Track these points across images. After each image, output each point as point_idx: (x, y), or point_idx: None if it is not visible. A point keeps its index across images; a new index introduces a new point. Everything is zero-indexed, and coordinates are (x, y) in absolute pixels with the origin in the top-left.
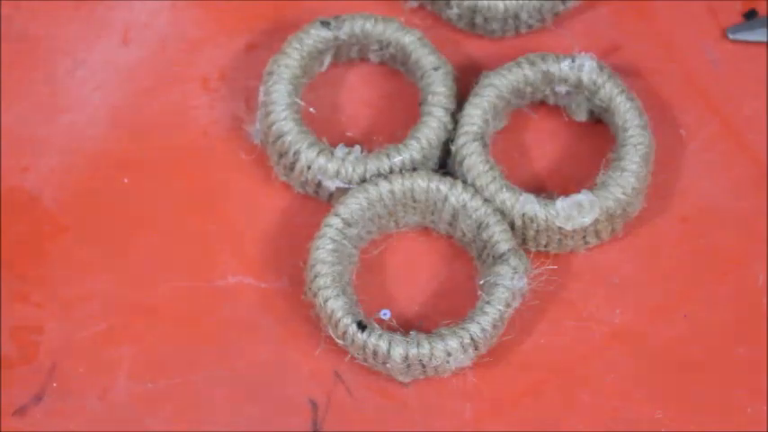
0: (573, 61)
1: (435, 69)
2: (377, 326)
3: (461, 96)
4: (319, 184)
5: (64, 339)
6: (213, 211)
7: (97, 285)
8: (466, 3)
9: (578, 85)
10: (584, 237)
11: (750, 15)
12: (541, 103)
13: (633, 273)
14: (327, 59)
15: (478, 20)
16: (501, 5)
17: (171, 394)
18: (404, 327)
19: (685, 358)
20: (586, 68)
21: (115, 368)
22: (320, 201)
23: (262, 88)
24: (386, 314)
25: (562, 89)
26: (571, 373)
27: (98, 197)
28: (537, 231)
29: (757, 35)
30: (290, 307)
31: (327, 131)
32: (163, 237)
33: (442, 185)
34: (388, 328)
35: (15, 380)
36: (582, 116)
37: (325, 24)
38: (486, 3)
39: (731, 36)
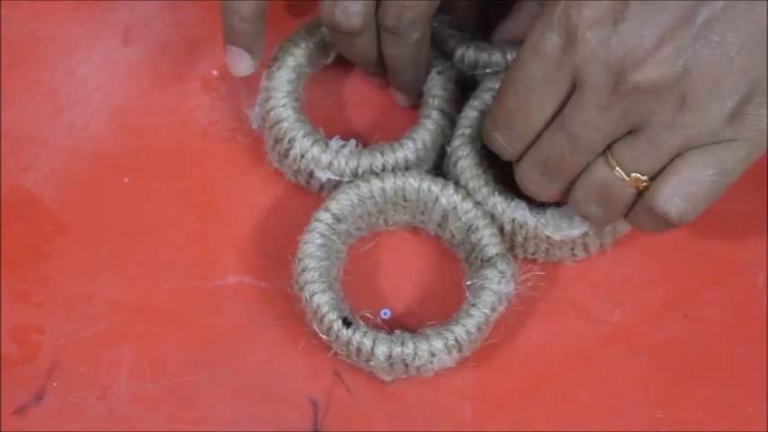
0: None
1: (438, 73)
2: (362, 323)
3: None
4: (311, 174)
5: (64, 339)
6: (213, 211)
7: (97, 285)
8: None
9: None
10: (572, 249)
11: None
12: None
13: (633, 273)
14: (333, 52)
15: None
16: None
17: (171, 394)
18: (390, 325)
19: (685, 358)
20: None
21: (115, 368)
22: (320, 201)
23: (265, 72)
24: (386, 314)
25: None
26: (571, 373)
27: (98, 197)
28: (525, 238)
29: None
30: (290, 307)
31: (325, 124)
32: (163, 236)
33: (433, 186)
34: (374, 326)
35: (15, 379)
36: None
37: None
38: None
39: None
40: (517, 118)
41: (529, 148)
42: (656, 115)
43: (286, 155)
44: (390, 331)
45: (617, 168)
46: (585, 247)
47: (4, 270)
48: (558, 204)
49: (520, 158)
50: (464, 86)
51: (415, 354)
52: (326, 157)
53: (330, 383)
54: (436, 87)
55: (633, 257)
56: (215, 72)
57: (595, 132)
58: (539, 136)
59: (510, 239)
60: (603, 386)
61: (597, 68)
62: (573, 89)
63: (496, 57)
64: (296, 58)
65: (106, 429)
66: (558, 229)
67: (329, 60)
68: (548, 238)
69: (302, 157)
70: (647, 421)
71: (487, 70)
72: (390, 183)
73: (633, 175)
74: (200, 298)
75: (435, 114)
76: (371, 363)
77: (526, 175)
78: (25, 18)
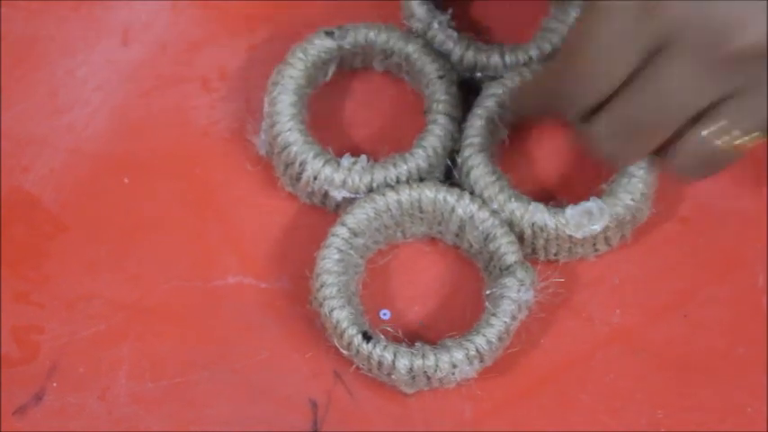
0: None
1: (439, 77)
2: (382, 337)
3: (466, 105)
4: (326, 195)
5: (64, 339)
6: (213, 211)
7: (97, 285)
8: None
9: None
10: (594, 244)
11: None
12: None
13: (633, 273)
14: (331, 69)
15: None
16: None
17: (171, 394)
18: (409, 337)
19: (685, 358)
20: None
21: (115, 368)
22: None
23: (266, 99)
24: (385, 314)
25: None
26: (571, 373)
27: (98, 197)
28: (547, 240)
29: None
30: (290, 307)
31: (333, 141)
32: (163, 237)
33: (449, 196)
34: (394, 338)
35: (15, 379)
36: None
37: (329, 34)
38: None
39: None
40: (592, 73)
41: (601, 107)
42: (761, 78)
43: (298, 178)
44: (410, 344)
45: (725, 137)
46: (607, 240)
47: (4, 270)
48: (574, 202)
49: (586, 120)
50: (463, 88)
51: (437, 366)
52: (340, 176)
53: (330, 384)
54: (439, 92)
55: (633, 257)
56: (215, 72)
57: (692, 96)
58: (614, 95)
59: (531, 244)
60: (603, 386)
61: (694, 32)
62: (661, 46)
63: (495, 59)
64: (295, 80)
65: (106, 429)
66: (579, 226)
67: (328, 78)
68: (570, 237)
69: (315, 178)
70: (647, 421)
71: (487, 73)
72: (406, 195)
73: (740, 140)
74: (200, 298)
75: (442, 119)
76: (393, 376)
77: (602, 137)
78: (25, 18)
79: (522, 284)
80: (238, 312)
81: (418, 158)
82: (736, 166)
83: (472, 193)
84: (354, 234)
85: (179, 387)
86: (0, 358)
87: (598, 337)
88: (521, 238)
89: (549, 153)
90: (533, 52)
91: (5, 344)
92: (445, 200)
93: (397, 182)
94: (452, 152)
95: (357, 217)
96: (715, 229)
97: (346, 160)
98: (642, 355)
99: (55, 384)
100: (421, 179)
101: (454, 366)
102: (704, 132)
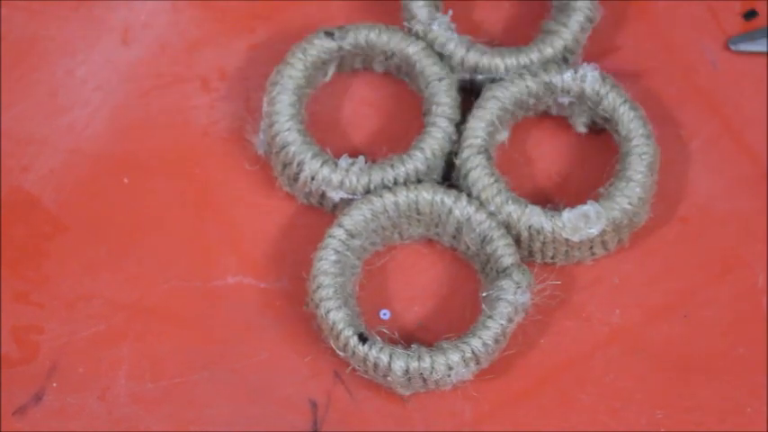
0: (575, 72)
1: (440, 80)
2: (378, 339)
3: (465, 106)
4: (323, 195)
5: (64, 339)
6: (213, 211)
7: (97, 285)
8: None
9: (581, 96)
10: (591, 248)
11: (749, 15)
12: (544, 114)
13: (633, 273)
14: (331, 70)
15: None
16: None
17: (171, 394)
18: (406, 339)
19: (685, 358)
20: (589, 79)
21: (115, 368)
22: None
23: (265, 98)
24: (385, 314)
25: (565, 100)
26: (571, 374)
27: (98, 197)
28: (543, 243)
29: (758, 46)
30: (290, 307)
31: (331, 142)
32: (163, 237)
33: (446, 198)
34: (390, 340)
35: (15, 380)
36: (582, 127)
37: (329, 34)
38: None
39: (733, 47)
40: None
41: None
42: None
43: (296, 178)
44: (407, 345)
45: None
46: (604, 244)
47: (4, 270)
48: (572, 205)
49: None
50: (463, 89)
51: (433, 368)
52: (337, 177)
53: (330, 384)
54: (439, 94)
55: (633, 257)
56: (215, 72)
57: None
58: None
59: (528, 246)
60: (603, 386)
61: None
62: None
63: (495, 61)
64: (295, 80)
65: (106, 429)
66: (576, 230)
67: (327, 78)
68: (566, 240)
69: (313, 179)
70: (647, 421)
71: (487, 75)
72: (403, 196)
73: None
74: (199, 298)
75: (441, 122)
76: (389, 378)
77: None
78: (25, 18)
79: (518, 287)
80: (238, 313)
81: (416, 160)
82: (735, 166)
83: (470, 194)
84: (351, 235)
85: (179, 387)
86: (0, 358)
87: (597, 338)
88: (518, 241)
89: (547, 156)
90: (534, 55)
91: (5, 344)
92: (442, 201)
93: (395, 183)
94: (450, 154)
95: (354, 218)
96: (715, 230)
97: (344, 161)
98: (642, 355)
99: (55, 384)
100: (419, 181)
101: (450, 368)
102: None
